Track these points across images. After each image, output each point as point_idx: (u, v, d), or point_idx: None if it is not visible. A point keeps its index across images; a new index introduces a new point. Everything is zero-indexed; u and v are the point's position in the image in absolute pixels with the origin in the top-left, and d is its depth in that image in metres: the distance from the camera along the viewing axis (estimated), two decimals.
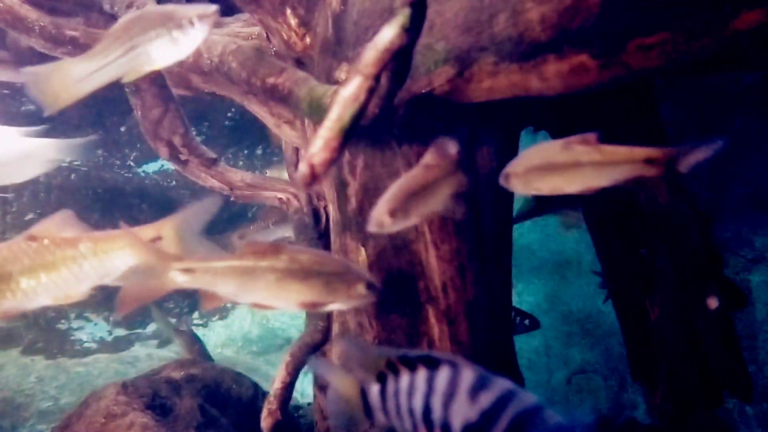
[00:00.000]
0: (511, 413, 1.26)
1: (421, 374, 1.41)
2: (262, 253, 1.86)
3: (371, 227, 1.88)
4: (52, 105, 1.96)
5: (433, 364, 1.40)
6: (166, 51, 1.85)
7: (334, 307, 1.96)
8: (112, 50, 1.86)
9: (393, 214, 1.86)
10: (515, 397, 1.29)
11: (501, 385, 1.32)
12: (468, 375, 1.35)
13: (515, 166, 1.95)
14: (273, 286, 1.86)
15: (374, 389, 1.52)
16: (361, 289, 1.89)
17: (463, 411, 1.32)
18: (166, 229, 1.97)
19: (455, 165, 1.99)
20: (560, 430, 1.24)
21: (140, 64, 1.88)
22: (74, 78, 1.90)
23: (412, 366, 1.44)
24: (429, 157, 2.00)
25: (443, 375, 1.38)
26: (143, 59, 1.87)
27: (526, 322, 4.68)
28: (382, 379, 1.51)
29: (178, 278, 1.84)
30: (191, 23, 1.83)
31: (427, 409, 1.39)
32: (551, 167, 1.90)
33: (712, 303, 2.67)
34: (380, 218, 1.86)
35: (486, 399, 1.30)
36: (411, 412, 1.42)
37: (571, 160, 1.87)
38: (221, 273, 1.87)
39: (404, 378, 1.45)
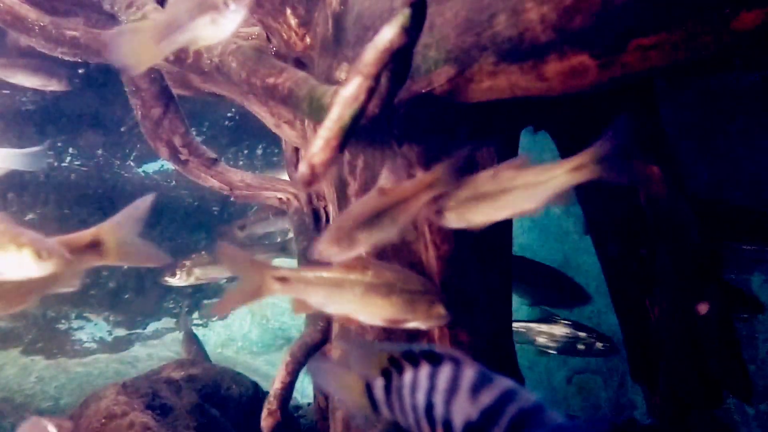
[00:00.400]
0: (512, 412, 1.26)
1: (424, 370, 1.41)
2: (351, 267, 1.92)
3: (315, 256, 1.87)
4: (136, 65, 2.01)
5: (435, 360, 1.41)
6: (209, 31, 1.88)
7: (414, 325, 1.97)
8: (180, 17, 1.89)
9: (338, 244, 1.84)
10: (516, 396, 1.29)
11: (502, 383, 1.32)
12: (469, 373, 1.35)
13: (446, 201, 1.96)
14: (358, 299, 1.92)
15: (378, 383, 1.52)
16: (440, 310, 1.91)
17: (464, 409, 1.32)
18: (103, 233, 1.96)
19: (419, 191, 1.92)
20: (561, 430, 1.23)
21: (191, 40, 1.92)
22: (156, 38, 1.91)
23: (414, 362, 1.45)
24: (384, 181, 1.96)
25: (445, 372, 1.38)
26: (191, 38, 1.91)
27: (602, 345, 4.57)
28: (386, 375, 1.51)
29: (274, 286, 1.93)
30: (227, 5, 1.85)
31: (429, 406, 1.39)
32: (481, 197, 1.90)
33: (703, 308, 2.67)
34: (323, 249, 1.85)
35: (487, 397, 1.30)
36: (414, 407, 1.42)
37: (499, 188, 1.88)
38: (312, 283, 1.94)
39: (407, 374, 1.45)
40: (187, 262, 4.66)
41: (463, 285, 2.41)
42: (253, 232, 5.16)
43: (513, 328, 2.66)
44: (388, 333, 2.41)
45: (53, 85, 4.67)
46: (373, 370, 1.52)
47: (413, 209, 1.91)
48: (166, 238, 6.67)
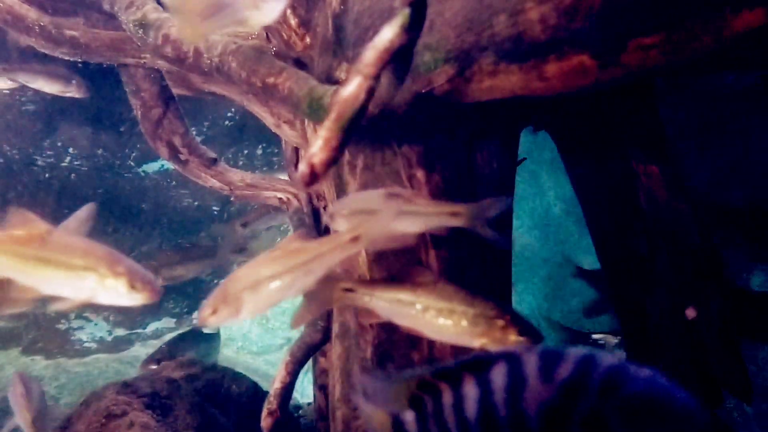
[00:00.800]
0: (597, 377, 1.11)
1: (470, 381, 1.24)
2: (418, 283, 1.97)
3: (199, 323, 1.87)
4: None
5: (482, 365, 1.23)
6: (252, 15, 1.90)
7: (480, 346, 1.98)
8: None
9: (216, 311, 1.81)
10: (595, 360, 1.13)
11: (574, 353, 1.16)
12: (532, 358, 1.18)
13: (340, 207, 2.11)
14: (420, 317, 1.96)
15: (409, 418, 1.35)
16: (513, 337, 1.88)
17: (537, 394, 1.15)
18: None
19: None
20: (657, 376, 1.11)
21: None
22: (202, 17, 1.93)
23: (454, 377, 1.27)
24: (286, 243, 1.93)
25: (500, 371, 1.21)
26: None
27: None
28: (417, 404, 1.33)
29: (343, 296, 2.01)
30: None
31: (485, 413, 1.21)
32: (371, 213, 2.02)
33: (690, 313, 2.67)
34: (203, 316, 1.82)
35: (563, 372, 1.13)
36: (463, 424, 1.25)
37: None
38: (376, 296, 2.00)
39: (446, 393, 1.27)
40: (153, 263, 4.66)
41: (463, 285, 2.41)
42: (255, 228, 5.14)
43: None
44: (388, 332, 2.41)
45: (72, 92, 4.75)
46: (401, 402, 1.34)
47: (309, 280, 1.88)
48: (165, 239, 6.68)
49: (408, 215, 2.01)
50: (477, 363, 1.24)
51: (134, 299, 1.83)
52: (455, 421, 1.25)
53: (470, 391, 1.23)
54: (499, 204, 2.03)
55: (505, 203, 2.05)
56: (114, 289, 1.80)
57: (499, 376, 1.20)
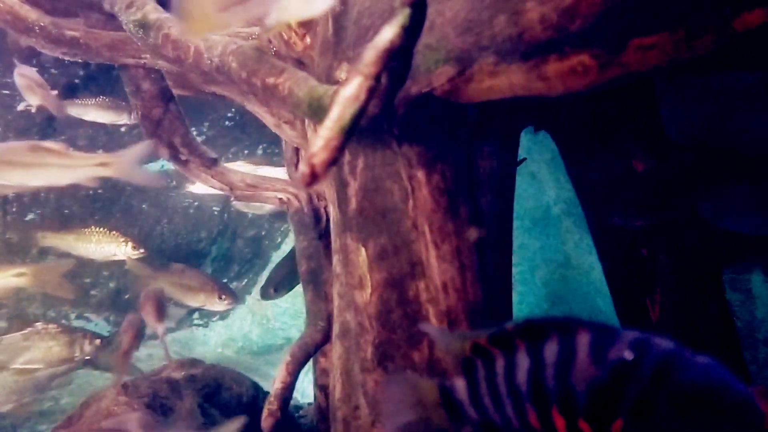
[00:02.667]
0: (650, 362, 1.08)
1: (523, 348, 1.21)
2: None
3: None
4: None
5: (537, 333, 1.21)
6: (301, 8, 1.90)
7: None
8: None
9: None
10: (649, 343, 1.10)
11: (628, 334, 1.13)
12: (584, 336, 1.15)
13: None
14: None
15: (459, 383, 1.32)
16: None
17: (587, 373, 1.13)
18: None
19: None
20: (714, 365, 1.06)
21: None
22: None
23: (508, 343, 1.24)
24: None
25: (552, 342, 1.18)
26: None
27: None
28: (469, 368, 1.31)
29: None
30: None
31: (535, 385, 1.19)
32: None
33: (628, 355, 2.65)
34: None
35: (615, 353, 1.11)
36: (514, 394, 1.22)
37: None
38: None
39: (499, 359, 1.25)
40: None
41: (463, 285, 2.41)
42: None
43: None
44: (388, 332, 2.41)
45: (123, 119, 4.98)
46: (454, 362, 1.32)
47: None
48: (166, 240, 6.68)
49: (57, 167, 2.13)
50: (530, 329, 1.21)
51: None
52: (506, 390, 1.23)
53: (522, 360, 1.21)
54: (144, 147, 2.15)
55: (149, 146, 2.29)
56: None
57: (551, 348, 1.18)
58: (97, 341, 4.07)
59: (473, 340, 1.29)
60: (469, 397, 1.31)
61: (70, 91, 5.37)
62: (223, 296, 4.66)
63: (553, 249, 6.54)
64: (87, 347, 4.01)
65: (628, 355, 1.11)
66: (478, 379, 1.29)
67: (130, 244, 4.70)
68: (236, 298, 4.84)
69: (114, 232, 4.76)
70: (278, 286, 4.87)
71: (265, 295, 4.97)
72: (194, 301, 4.69)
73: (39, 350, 3.90)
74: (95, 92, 5.48)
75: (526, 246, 6.54)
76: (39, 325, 3.95)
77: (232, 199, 4.07)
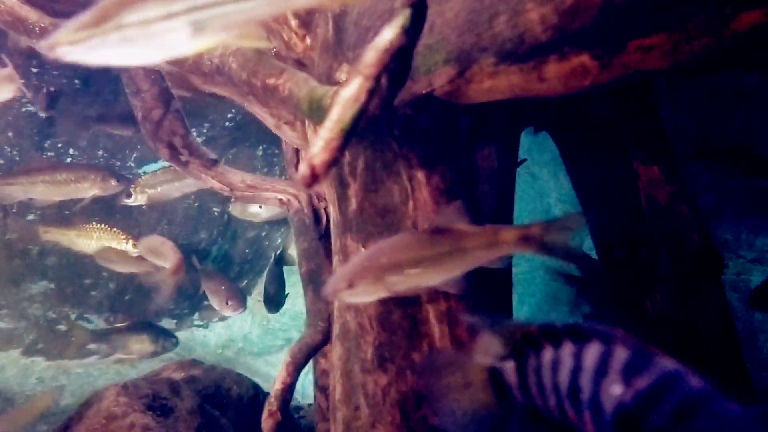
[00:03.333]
0: (675, 399, 1.10)
1: (567, 348, 1.24)
2: None
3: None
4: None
5: (581, 337, 1.23)
6: None
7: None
8: None
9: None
10: (680, 379, 1.12)
11: (662, 364, 1.15)
12: (622, 352, 1.17)
13: None
14: None
15: (509, 366, 1.34)
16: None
17: (616, 393, 1.16)
18: None
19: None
20: (738, 420, 1.07)
21: None
22: None
23: (556, 339, 1.27)
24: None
25: (593, 350, 1.20)
26: None
27: None
28: (519, 353, 1.33)
29: None
30: None
31: (574, 387, 1.22)
32: None
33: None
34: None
35: (644, 381, 1.13)
36: (557, 389, 1.25)
37: None
38: None
39: (547, 352, 1.27)
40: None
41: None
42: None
43: None
44: (389, 333, 2.41)
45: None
46: (503, 349, 1.34)
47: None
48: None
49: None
50: (577, 330, 1.24)
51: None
52: (551, 384, 1.26)
53: (566, 359, 1.23)
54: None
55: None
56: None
57: (591, 354, 1.20)
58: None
59: (524, 329, 1.32)
60: (518, 381, 1.33)
61: (70, 92, 5.35)
62: (230, 302, 4.79)
63: None
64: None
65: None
66: (528, 366, 1.31)
67: (131, 241, 4.71)
68: (242, 305, 4.94)
69: (115, 229, 4.77)
70: (279, 299, 5.07)
71: (273, 310, 5.14)
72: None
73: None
74: (95, 93, 5.49)
75: None
76: None
77: (231, 200, 4.07)
